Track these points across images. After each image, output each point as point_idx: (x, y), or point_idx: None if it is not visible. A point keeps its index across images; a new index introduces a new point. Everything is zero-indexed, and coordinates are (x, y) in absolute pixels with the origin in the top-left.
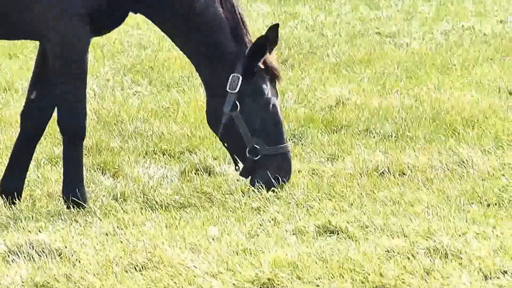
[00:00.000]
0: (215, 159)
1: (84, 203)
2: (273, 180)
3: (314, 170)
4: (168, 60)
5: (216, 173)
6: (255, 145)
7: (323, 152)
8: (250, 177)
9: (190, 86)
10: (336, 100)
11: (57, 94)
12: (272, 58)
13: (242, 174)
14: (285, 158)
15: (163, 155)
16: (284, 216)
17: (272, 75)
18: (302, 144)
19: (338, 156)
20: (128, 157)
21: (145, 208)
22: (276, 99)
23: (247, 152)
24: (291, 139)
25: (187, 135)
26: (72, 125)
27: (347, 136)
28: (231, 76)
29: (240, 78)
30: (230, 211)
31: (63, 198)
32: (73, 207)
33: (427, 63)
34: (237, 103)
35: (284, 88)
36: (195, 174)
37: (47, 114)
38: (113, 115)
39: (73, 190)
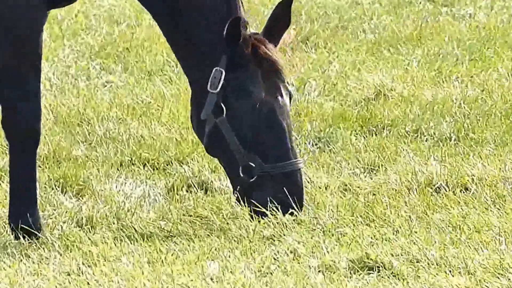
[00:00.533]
0: (213, 172)
1: (38, 231)
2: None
3: (346, 185)
4: (149, 39)
5: (215, 189)
6: (249, 162)
7: (358, 160)
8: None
9: (179, 74)
10: (375, 91)
11: (0, 86)
12: (267, 44)
13: (238, 199)
14: (292, 179)
15: (144, 166)
16: (307, 247)
17: (268, 68)
18: (330, 151)
19: (378, 166)
20: (97, 169)
21: (120, 237)
22: (277, 99)
23: (240, 171)
24: (315, 144)
25: (176, 139)
26: (20, 127)
27: (391, 139)
28: (213, 70)
29: (223, 73)
30: (235, 241)
31: (10, 225)
32: (23, 237)
33: (497, 40)
34: (222, 106)
35: (305, 76)
36: (187, 191)
37: None
38: (77, 113)
39: (23, 215)
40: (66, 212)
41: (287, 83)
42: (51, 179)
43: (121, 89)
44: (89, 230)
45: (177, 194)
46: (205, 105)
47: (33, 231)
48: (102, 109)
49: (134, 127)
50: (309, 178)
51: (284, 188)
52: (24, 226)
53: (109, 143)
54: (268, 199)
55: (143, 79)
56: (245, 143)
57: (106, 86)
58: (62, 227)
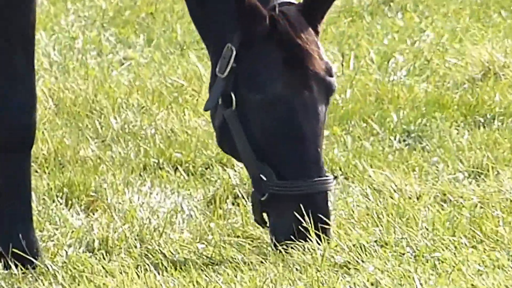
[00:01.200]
0: None
1: (35, 257)
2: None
3: (445, 194)
4: (180, 1)
5: None
6: (261, 175)
7: (461, 161)
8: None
9: None
10: (483, 70)
11: None
12: (294, 19)
13: (255, 218)
14: (312, 205)
15: (175, 170)
16: (393, 278)
17: (291, 52)
18: (423, 149)
19: (487, 169)
20: (113, 175)
21: (143, 266)
22: (301, 94)
23: (252, 182)
24: (404, 140)
25: None
26: (6, 121)
27: (503, 132)
28: (224, 48)
29: (234, 52)
30: (297, 269)
31: None
32: (15, 266)
33: None
34: (232, 96)
35: (388, 49)
36: (233, 204)
37: None
38: (85, 100)
39: (14, 236)
40: (72, 232)
41: (323, 72)
42: (51, 188)
43: (144, 68)
44: (103, 256)
45: (220, 208)
46: (211, 93)
47: (27, 257)
48: (119, 95)
49: (162, 119)
50: (395, 185)
51: (302, 216)
52: (16, 251)
53: (129, 140)
54: (283, 228)
55: (172, 55)
56: (256, 148)
57: (123, 64)
58: (67, 252)
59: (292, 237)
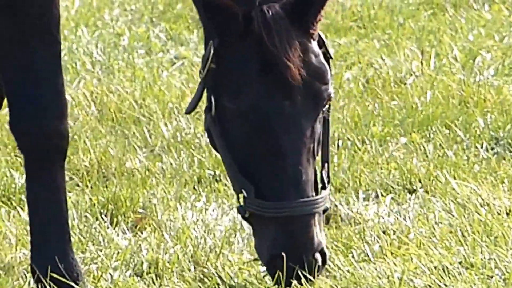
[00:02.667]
0: (338, 190)
1: (75, 282)
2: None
3: None
4: None
5: (341, 218)
6: (242, 189)
7: None
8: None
9: None
10: None
11: (3, 71)
12: (272, 16)
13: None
14: (290, 230)
15: None
16: None
17: (269, 54)
18: None
19: None
20: (163, 189)
21: None
22: (280, 102)
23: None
24: (492, 148)
25: None
26: (32, 129)
27: None
28: (208, 47)
29: (211, 52)
30: None
31: (33, 274)
32: None
33: None
34: (212, 99)
35: (474, 45)
36: None
37: None
38: (131, 105)
39: (51, 258)
40: (118, 253)
41: (308, 78)
42: (95, 204)
43: (198, 68)
44: (152, 280)
45: None
46: (194, 95)
47: (67, 282)
48: (170, 99)
49: None
50: (482, 199)
51: (279, 243)
52: (54, 275)
53: (181, 149)
54: (263, 253)
55: None
56: (237, 160)
57: (175, 64)
58: (112, 276)
59: (268, 261)
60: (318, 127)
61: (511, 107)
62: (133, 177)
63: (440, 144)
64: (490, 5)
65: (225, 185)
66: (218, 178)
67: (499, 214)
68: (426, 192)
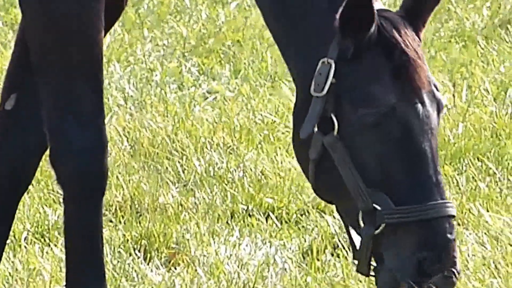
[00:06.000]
0: None
1: None
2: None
3: None
4: None
5: None
6: (374, 204)
7: None
8: (373, 272)
9: None
10: None
11: (43, 107)
12: (403, 27)
13: (358, 263)
14: (434, 229)
15: (267, 218)
16: None
17: (402, 62)
18: None
19: None
20: (196, 224)
21: None
22: (416, 107)
23: (359, 217)
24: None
25: None
26: (74, 165)
27: None
28: (319, 63)
29: (333, 66)
30: None
31: None
32: None
33: None
34: (333, 118)
35: (506, 78)
36: (332, 255)
37: (34, 142)
38: (164, 140)
39: None
40: None
41: (433, 85)
42: (128, 240)
43: (230, 103)
44: None
45: (317, 259)
46: (307, 116)
47: None
48: (202, 134)
49: (251, 160)
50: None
51: (428, 245)
52: None
53: (214, 184)
54: (406, 262)
55: (262, 87)
56: (367, 175)
57: (207, 98)
58: None
59: (417, 274)
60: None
61: None
62: (166, 212)
63: (472, 177)
64: None
65: (258, 219)
66: (251, 213)
67: None
68: (459, 224)
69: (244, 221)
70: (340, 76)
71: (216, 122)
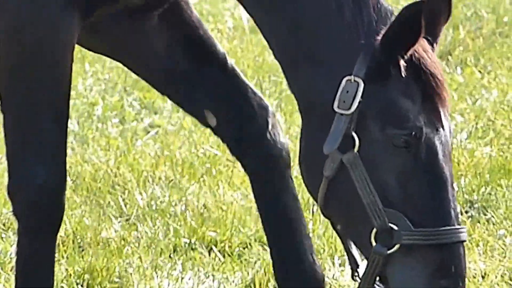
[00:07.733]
0: (318, 253)
1: None
2: None
3: None
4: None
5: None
6: (391, 224)
7: None
8: None
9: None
10: None
11: (6, 137)
12: (426, 46)
13: (362, 281)
14: (451, 254)
15: (210, 251)
16: None
17: (428, 83)
18: (488, 221)
19: None
20: (139, 258)
21: None
22: (439, 132)
23: (372, 237)
24: (466, 212)
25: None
26: (35, 202)
27: None
28: (344, 81)
29: (361, 84)
30: None
31: None
32: None
33: None
34: (354, 136)
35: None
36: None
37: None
38: (106, 174)
39: None
40: None
41: (447, 108)
42: (71, 275)
43: (172, 137)
44: None
45: None
46: (331, 133)
47: None
48: (145, 168)
49: (193, 194)
50: None
51: (445, 269)
52: None
53: (156, 218)
54: (419, 282)
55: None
56: (385, 193)
57: (149, 132)
58: None
59: None
60: None
61: (485, 170)
62: (108, 247)
63: None
64: (462, 68)
65: (201, 253)
66: (193, 247)
67: (474, 277)
68: None
69: (186, 255)
70: (367, 94)
71: (158, 156)
